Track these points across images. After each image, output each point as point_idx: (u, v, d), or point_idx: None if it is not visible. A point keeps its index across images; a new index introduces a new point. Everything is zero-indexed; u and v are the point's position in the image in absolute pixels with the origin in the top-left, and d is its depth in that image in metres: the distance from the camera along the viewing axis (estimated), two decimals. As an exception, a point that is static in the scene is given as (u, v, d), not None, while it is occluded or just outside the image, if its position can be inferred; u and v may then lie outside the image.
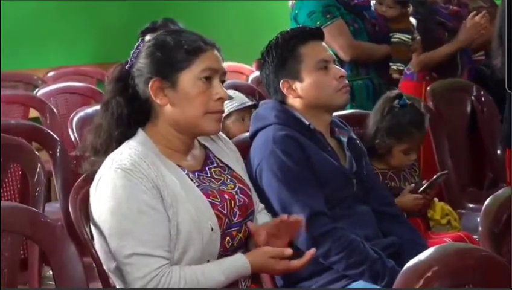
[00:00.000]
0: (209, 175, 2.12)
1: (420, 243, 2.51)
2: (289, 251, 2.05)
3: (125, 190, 1.93)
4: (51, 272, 1.98)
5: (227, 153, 2.23)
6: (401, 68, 3.70)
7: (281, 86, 2.51)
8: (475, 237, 2.64)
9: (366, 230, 2.45)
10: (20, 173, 2.78)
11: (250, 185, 2.23)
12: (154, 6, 6.26)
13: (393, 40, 3.69)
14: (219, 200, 2.05)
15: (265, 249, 2.06)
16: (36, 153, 2.63)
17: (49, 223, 1.94)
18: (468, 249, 1.51)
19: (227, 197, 2.08)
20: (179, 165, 2.06)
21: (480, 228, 1.79)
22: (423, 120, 2.92)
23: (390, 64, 3.68)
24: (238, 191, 2.14)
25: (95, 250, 2.04)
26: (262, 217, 2.27)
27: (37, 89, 4.45)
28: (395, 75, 3.71)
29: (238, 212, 2.09)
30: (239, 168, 2.23)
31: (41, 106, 3.81)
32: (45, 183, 2.61)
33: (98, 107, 3.40)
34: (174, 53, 2.03)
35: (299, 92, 2.50)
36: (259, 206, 2.29)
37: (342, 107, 2.62)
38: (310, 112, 2.50)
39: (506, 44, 3.03)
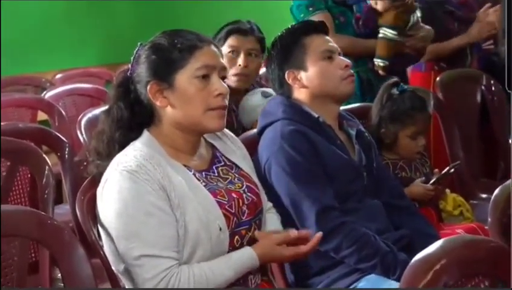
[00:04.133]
0: (216, 174, 2.11)
1: (432, 234, 2.49)
2: (294, 233, 2.05)
3: (131, 192, 1.93)
4: (60, 275, 1.98)
5: (235, 151, 2.22)
6: (382, 64, 3.50)
7: (286, 77, 2.51)
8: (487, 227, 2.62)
9: (378, 223, 2.44)
10: (29, 176, 2.78)
11: (258, 183, 2.22)
12: (162, 8, 6.27)
13: (379, 34, 3.60)
14: (226, 200, 2.04)
15: (270, 237, 2.05)
16: (44, 156, 2.64)
17: (56, 225, 1.94)
18: (476, 240, 1.49)
19: (234, 196, 2.07)
20: (185, 165, 2.05)
21: (489, 219, 1.78)
22: (424, 103, 2.90)
23: (374, 59, 3.59)
24: (246, 189, 2.12)
25: (103, 251, 2.04)
26: (270, 216, 2.26)
27: (44, 92, 4.45)
28: (380, 71, 3.59)
29: (246, 211, 2.08)
30: (246, 166, 2.22)
31: (50, 108, 3.82)
32: (54, 186, 2.62)
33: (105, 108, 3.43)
34: (168, 54, 2.02)
35: (304, 82, 2.49)
36: (267, 205, 2.28)
37: (348, 97, 2.61)
38: (317, 103, 2.49)
39: (506, 44, 3.02)
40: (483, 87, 3.87)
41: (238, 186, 2.12)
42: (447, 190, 3.05)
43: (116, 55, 5.81)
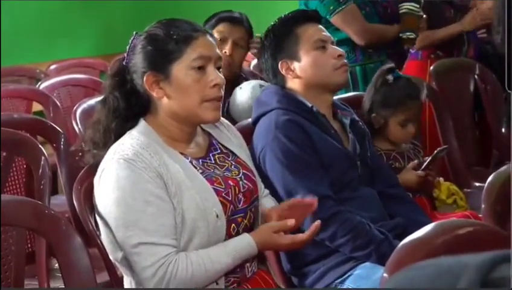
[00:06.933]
0: (213, 162, 2.12)
1: (426, 223, 2.48)
2: (292, 222, 2.06)
3: (129, 180, 1.93)
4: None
5: (231, 138, 2.23)
6: (412, 37, 3.64)
7: (279, 67, 2.51)
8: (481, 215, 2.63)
9: (372, 212, 2.45)
10: (24, 166, 2.78)
11: (254, 170, 2.23)
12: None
13: (401, 10, 3.65)
14: (223, 187, 2.05)
15: (268, 224, 2.07)
16: (40, 146, 2.63)
17: (53, 215, 1.94)
18: (464, 223, 1.49)
19: (231, 183, 2.08)
20: (182, 153, 2.06)
21: (482, 206, 1.78)
22: (418, 91, 2.91)
23: (400, 34, 3.65)
24: (243, 177, 2.13)
25: (100, 241, 2.05)
26: (266, 200, 2.27)
27: (39, 83, 4.45)
28: (407, 45, 3.68)
29: (242, 199, 2.09)
30: (243, 153, 2.23)
31: (44, 99, 3.81)
32: (50, 176, 2.62)
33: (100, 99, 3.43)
34: (164, 45, 2.02)
35: (297, 72, 2.50)
36: (264, 191, 2.29)
37: (342, 86, 2.62)
38: (310, 93, 2.50)
39: (506, 44, 3.03)
40: (476, 76, 3.87)
41: (235, 173, 2.13)
42: (441, 179, 3.05)
43: (111, 45, 5.81)
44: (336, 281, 2.35)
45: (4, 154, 2.69)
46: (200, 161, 2.09)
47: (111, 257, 2.03)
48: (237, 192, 2.08)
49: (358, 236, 2.33)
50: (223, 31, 3.18)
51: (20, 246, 2.14)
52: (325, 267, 2.38)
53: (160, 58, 2.02)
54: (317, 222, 2.09)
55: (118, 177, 1.94)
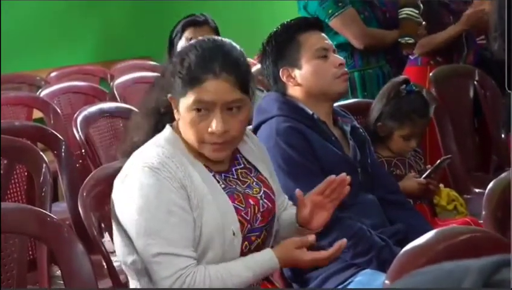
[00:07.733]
0: (235, 177, 2.08)
1: (427, 229, 2.49)
2: (313, 237, 2.02)
3: (153, 189, 1.91)
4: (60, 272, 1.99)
5: (255, 151, 2.18)
6: (410, 42, 3.65)
7: (280, 74, 2.52)
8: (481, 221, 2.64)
9: (373, 219, 2.45)
10: (25, 174, 2.79)
11: (274, 186, 2.18)
12: (155, 6, 6.27)
13: (401, 16, 3.66)
14: (244, 206, 2.02)
15: (289, 240, 2.03)
16: (41, 153, 2.64)
17: (56, 222, 1.95)
18: (465, 230, 1.50)
19: (251, 202, 2.05)
20: (206, 166, 2.03)
21: (483, 212, 1.79)
22: (428, 108, 2.93)
23: (399, 39, 3.66)
24: (263, 195, 2.09)
25: (104, 248, 2.05)
26: (289, 215, 2.22)
27: (40, 90, 4.46)
28: (406, 50, 3.69)
29: (260, 218, 2.06)
30: (265, 168, 2.17)
31: (45, 106, 3.82)
32: (51, 184, 2.62)
33: (102, 105, 3.44)
34: (174, 80, 1.99)
35: (298, 80, 2.50)
36: (286, 203, 2.26)
37: (342, 95, 2.63)
38: (311, 101, 2.50)
39: (506, 44, 3.03)
40: (476, 82, 3.88)
41: (256, 191, 2.09)
42: (441, 185, 3.06)
43: (111, 52, 5.83)
44: (337, 288, 2.35)
45: (5, 161, 2.69)
46: (223, 175, 2.06)
47: (119, 259, 2.01)
48: (256, 211, 2.05)
49: (359, 243, 2.33)
50: (190, 35, 3.31)
51: (22, 254, 2.14)
52: (326, 273, 2.38)
53: (174, 89, 2.00)
54: (343, 241, 2.04)
55: (141, 185, 1.92)
